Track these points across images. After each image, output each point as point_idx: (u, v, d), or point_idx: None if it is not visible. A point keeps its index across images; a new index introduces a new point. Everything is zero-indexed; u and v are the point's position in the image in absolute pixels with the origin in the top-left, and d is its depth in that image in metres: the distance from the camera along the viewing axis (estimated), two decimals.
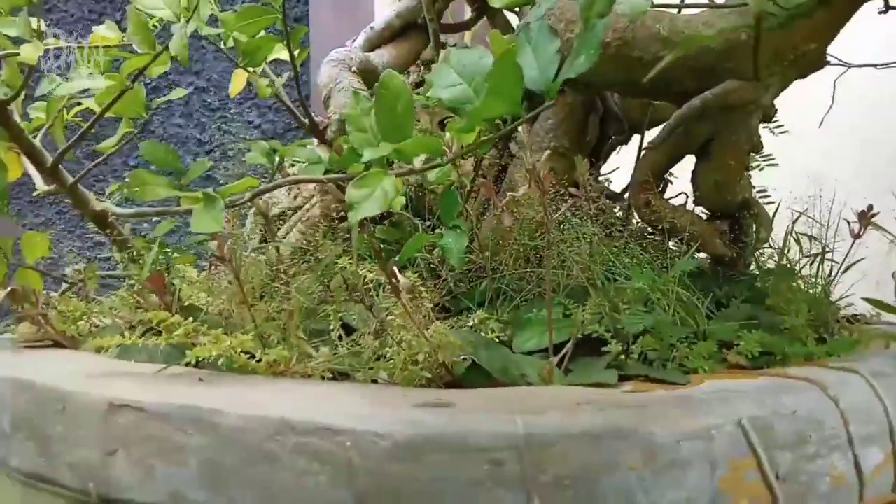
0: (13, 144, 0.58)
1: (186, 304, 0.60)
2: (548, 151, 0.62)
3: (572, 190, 0.54)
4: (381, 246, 0.64)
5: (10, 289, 0.53)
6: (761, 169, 0.94)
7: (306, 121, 0.69)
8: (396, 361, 0.45)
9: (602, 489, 0.35)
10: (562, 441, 0.35)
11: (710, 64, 0.58)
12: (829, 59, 0.92)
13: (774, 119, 0.96)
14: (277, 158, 0.52)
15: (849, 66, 1.02)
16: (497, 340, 0.51)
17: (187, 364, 0.45)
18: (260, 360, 0.44)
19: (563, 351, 0.48)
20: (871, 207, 0.75)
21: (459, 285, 0.63)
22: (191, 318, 0.53)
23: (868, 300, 0.77)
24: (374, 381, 0.46)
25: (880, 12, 0.66)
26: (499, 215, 0.58)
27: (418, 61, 0.83)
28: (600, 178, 0.84)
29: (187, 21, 0.52)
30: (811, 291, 0.60)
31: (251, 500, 0.37)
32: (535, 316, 0.55)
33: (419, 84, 0.86)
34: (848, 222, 0.74)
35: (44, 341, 0.57)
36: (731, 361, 0.48)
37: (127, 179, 0.58)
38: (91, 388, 0.42)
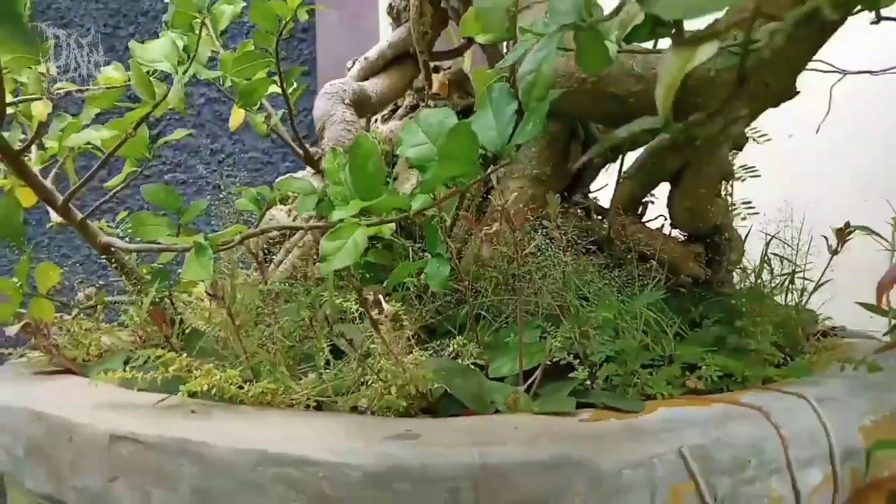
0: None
1: (189, 330, 0.64)
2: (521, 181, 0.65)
3: (544, 223, 0.58)
4: (367, 275, 0.68)
5: (23, 322, 0.57)
6: (743, 180, 0.97)
7: (302, 152, 0.73)
8: (375, 390, 0.49)
9: None
10: (515, 471, 0.39)
11: (680, 99, 0.61)
12: (827, 66, 0.94)
13: (756, 129, 0.99)
14: (265, 204, 0.56)
15: (844, 72, 1.04)
16: (474, 366, 0.55)
17: (188, 394, 0.49)
18: (248, 392, 0.48)
19: (532, 378, 0.52)
20: (848, 224, 0.77)
21: (445, 308, 0.66)
22: (189, 348, 0.57)
23: (861, 304, 0.80)
24: (355, 409, 0.49)
25: (872, 23, 0.68)
26: (479, 245, 0.61)
27: (412, 88, 0.86)
28: (591, 196, 0.87)
29: (184, 72, 0.56)
30: (783, 311, 0.63)
31: None
32: (512, 341, 0.59)
33: (414, 107, 0.90)
34: (826, 238, 0.77)
35: (55, 367, 0.62)
36: (689, 386, 0.51)
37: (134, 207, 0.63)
38: (95, 421, 0.46)
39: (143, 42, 0.63)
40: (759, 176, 0.97)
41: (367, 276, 0.71)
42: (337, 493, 0.39)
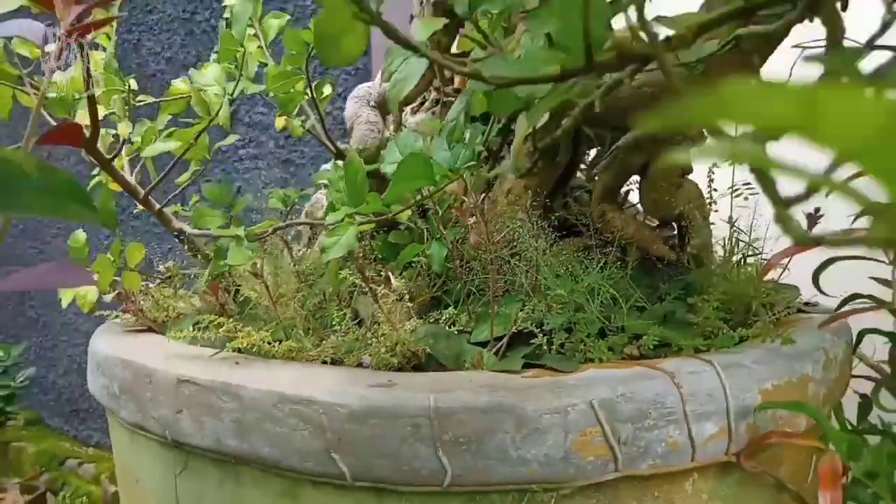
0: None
1: (243, 298, 0.80)
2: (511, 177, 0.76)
3: (520, 215, 0.69)
4: (386, 254, 0.81)
5: (117, 291, 0.74)
6: (746, 198, 1.04)
7: (334, 149, 0.86)
8: (374, 349, 0.63)
9: (486, 445, 0.52)
10: (460, 412, 0.52)
11: (644, 105, 0.71)
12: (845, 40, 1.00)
13: None
14: (290, 203, 0.71)
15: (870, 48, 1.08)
16: (458, 332, 0.68)
17: (234, 349, 0.65)
18: (278, 349, 0.63)
19: (500, 343, 0.64)
20: (817, 210, 0.85)
21: (449, 284, 0.80)
22: (241, 312, 0.73)
23: (874, 278, 0.87)
24: (360, 364, 0.64)
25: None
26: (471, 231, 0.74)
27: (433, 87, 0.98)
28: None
29: (232, 94, 0.70)
30: (736, 288, 0.72)
31: (263, 445, 0.56)
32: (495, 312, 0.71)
33: (437, 101, 1.02)
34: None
35: (141, 326, 0.79)
36: (626, 353, 0.63)
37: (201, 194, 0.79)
38: (168, 367, 0.62)
39: (217, 25, 0.77)
40: (757, 194, 1.04)
41: (388, 255, 0.85)
42: (331, 425, 0.53)
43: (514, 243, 0.71)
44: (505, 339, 0.64)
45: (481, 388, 0.54)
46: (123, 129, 0.69)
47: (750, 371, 0.58)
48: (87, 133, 0.67)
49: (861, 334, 0.75)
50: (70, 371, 2.69)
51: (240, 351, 0.65)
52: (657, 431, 0.54)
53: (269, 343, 0.62)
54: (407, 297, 0.70)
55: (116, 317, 0.81)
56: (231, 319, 0.64)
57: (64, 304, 0.95)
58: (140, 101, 0.83)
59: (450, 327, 0.70)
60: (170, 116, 0.86)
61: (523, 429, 0.52)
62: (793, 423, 0.59)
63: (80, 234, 0.92)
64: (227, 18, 0.71)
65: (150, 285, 0.91)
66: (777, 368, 0.59)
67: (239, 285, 0.83)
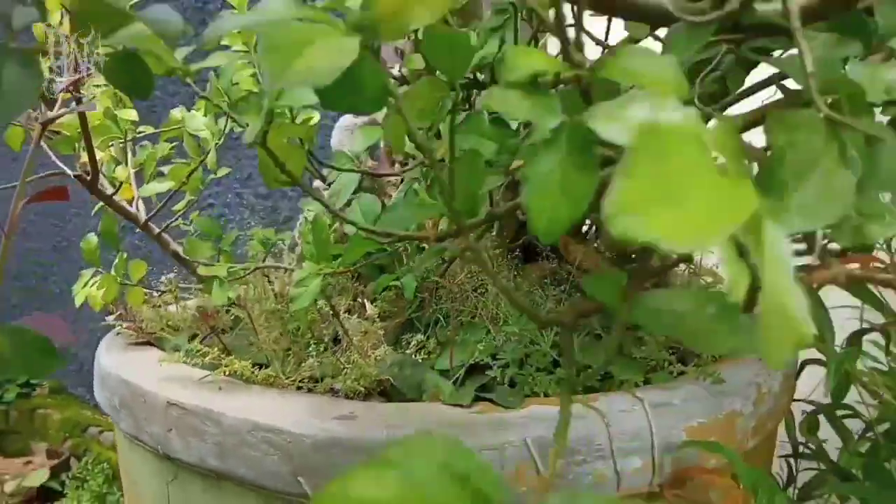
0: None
1: (234, 317, 0.88)
2: None
3: (483, 255, 0.75)
4: (374, 274, 0.88)
5: (119, 312, 0.82)
6: None
7: (320, 177, 0.92)
8: (345, 378, 0.70)
9: None
10: None
11: None
12: None
13: None
14: (269, 245, 0.77)
15: None
16: (423, 360, 0.75)
17: (224, 373, 0.72)
18: (258, 375, 0.70)
19: (456, 375, 0.71)
20: None
21: (425, 307, 0.86)
22: (232, 328, 0.80)
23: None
24: (331, 389, 0.71)
25: None
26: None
27: None
28: None
29: (219, 139, 0.76)
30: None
31: (240, 466, 0.63)
32: (460, 340, 0.78)
33: None
34: None
35: (142, 340, 0.87)
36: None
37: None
38: (158, 390, 0.70)
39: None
40: None
41: (371, 273, 0.92)
42: (297, 454, 0.61)
43: (476, 277, 0.77)
44: (462, 371, 0.71)
45: (430, 423, 0.61)
46: (121, 172, 0.76)
47: (678, 409, 0.64)
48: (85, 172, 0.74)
49: (803, 365, 0.80)
50: (91, 343, 2.80)
51: (228, 373, 0.73)
52: (586, 466, 0.60)
53: (251, 370, 0.70)
54: (379, 321, 0.77)
55: (119, 333, 0.88)
56: (216, 348, 0.71)
57: (77, 302, 1.03)
58: (140, 133, 0.89)
59: (417, 353, 0.77)
60: (169, 145, 0.92)
61: None
62: (718, 457, 0.66)
63: (93, 238, 0.99)
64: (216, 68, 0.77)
65: (154, 293, 0.99)
66: (706, 405, 0.65)
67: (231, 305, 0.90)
